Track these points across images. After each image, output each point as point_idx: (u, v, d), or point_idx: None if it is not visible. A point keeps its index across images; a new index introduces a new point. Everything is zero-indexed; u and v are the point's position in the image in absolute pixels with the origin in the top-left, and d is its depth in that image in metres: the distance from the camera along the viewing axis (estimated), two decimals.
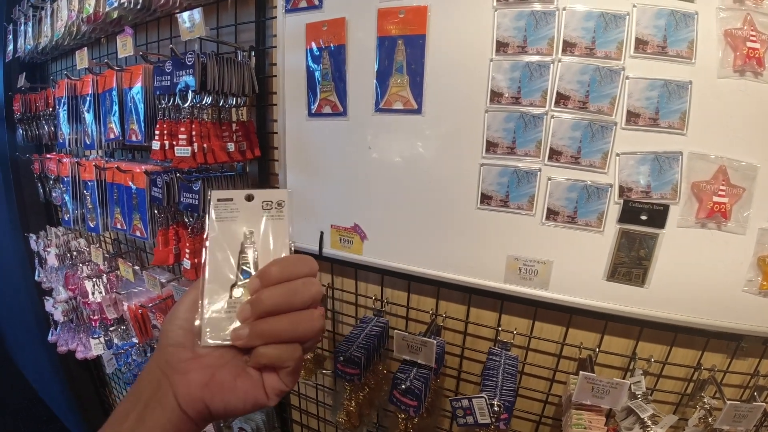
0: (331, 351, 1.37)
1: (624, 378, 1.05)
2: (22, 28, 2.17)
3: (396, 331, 1.04)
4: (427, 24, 1.02)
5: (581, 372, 0.95)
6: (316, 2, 1.14)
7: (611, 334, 1.06)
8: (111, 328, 1.90)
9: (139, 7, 1.41)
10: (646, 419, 0.96)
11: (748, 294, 0.94)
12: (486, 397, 0.98)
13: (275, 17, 1.22)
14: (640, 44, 0.90)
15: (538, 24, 0.94)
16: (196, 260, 1.25)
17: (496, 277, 1.05)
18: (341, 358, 1.06)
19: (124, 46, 1.40)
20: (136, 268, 1.61)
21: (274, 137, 1.29)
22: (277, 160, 1.25)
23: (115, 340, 1.91)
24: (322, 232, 1.21)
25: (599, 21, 0.91)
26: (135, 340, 1.81)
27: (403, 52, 1.05)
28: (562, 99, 0.94)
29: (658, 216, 0.93)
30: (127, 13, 1.50)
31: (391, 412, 1.29)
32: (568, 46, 0.93)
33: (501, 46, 0.97)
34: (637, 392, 1.00)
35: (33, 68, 2.44)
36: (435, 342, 1.01)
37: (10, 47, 2.29)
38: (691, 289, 0.96)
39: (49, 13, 1.98)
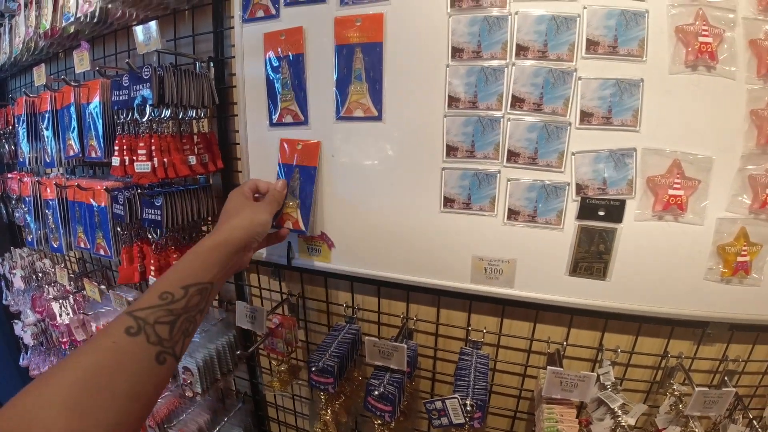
0: (306, 361, 1.36)
1: (593, 370, 1.08)
2: None
3: (367, 337, 1.04)
4: (383, 31, 1.03)
5: (549, 367, 0.97)
6: (273, 12, 1.13)
7: (578, 328, 1.08)
8: None
9: (95, 20, 1.38)
10: (616, 409, 0.98)
11: (710, 282, 0.98)
12: (459, 397, 0.99)
13: (233, 27, 1.21)
14: (592, 45, 0.92)
15: (491, 29, 0.96)
16: None
17: (463, 277, 1.06)
18: (314, 368, 1.06)
19: (81, 61, 1.37)
20: (103, 287, 1.57)
21: (237, 148, 1.28)
22: (241, 171, 1.23)
23: None
24: (290, 242, 1.20)
25: (551, 24, 0.93)
26: None
27: (362, 60, 1.05)
28: (517, 102, 0.96)
29: (615, 211, 0.96)
30: (83, 27, 1.47)
31: (368, 418, 1.30)
32: (522, 50, 0.95)
33: (456, 52, 0.98)
34: (606, 383, 1.03)
35: None
36: (406, 346, 1.02)
37: None
38: (653, 280, 0.99)
39: (7, 30, 1.93)
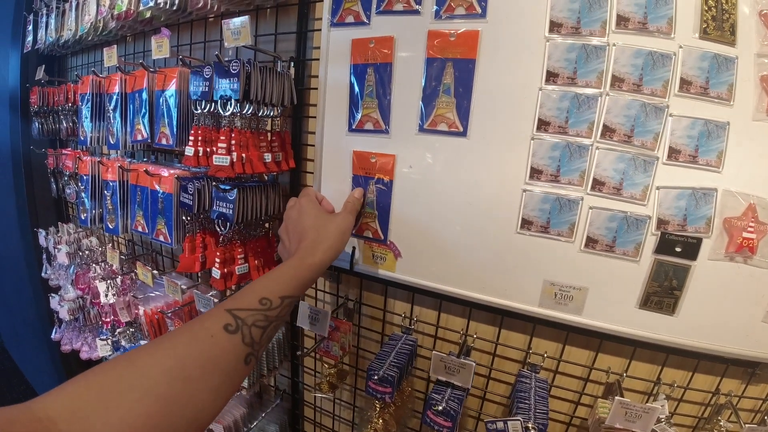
0: (353, 366, 1.37)
1: (647, 402, 1.07)
2: (44, 19, 2.15)
3: (434, 351, 1.05)
4: (477, 49, 1.04)
5: (617, 398, 0.97)
6: (364, 19, 1.15)
7: (638, 360, 1.08)
8: (119, 330, 1.87)
9: (174, 8, 1.41)
10: None
11: (767, 325, 0.97)
12: (521, 420, 0.99)
13: (318, 29, 1.23)
14: (685, 84, 0.93)
15: (588, 57, 0.97)
16: (226, 270, 1.24)
17: (531, 300, 1.06)
18: (375, 377, 1.06)
19: (160, 47, 1.40)
20: (155, 272, 1.59)
21: (308, 149, 1.30)
22: (311, 172, 1.25)
23: (123, 342, 1.88)
24: (354, 248, 1.21)
25: (647, 59, 0.94)
26: (143, 342, 1.79)
27: (452, 75, 1.07)
28: (608, 131, 0.97)
29: (691, 249, 0.96)
30: (160, 14, 1.50)
31: (413, 430, 1.30)
32: (617, 81, 0.96)
33: (551, 76, 0.99)
34: (660, 416, 1.02)
35: (51, 61, 2.43)
36: (474, 364, 1.02)
37: (29, 38, 2.27)
38: (717, 319, 0.99)
39: (74, 6, 1.97)
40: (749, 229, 0.94)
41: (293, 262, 0.86)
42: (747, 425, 0.95)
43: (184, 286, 1.48)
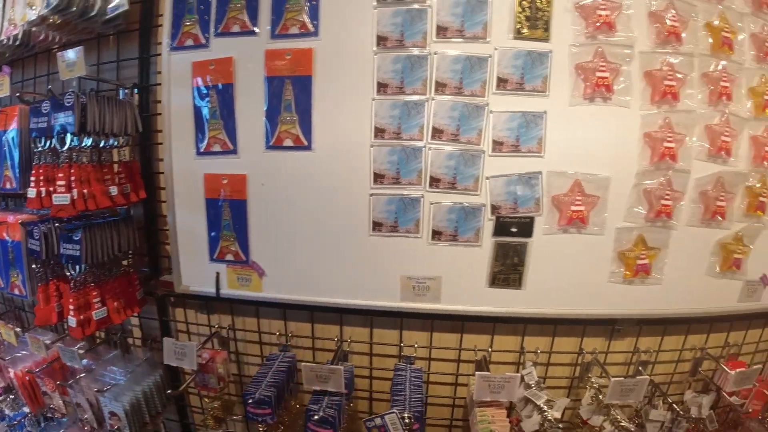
0: (239, 395, 1.33)
1: (517, 371, 1.16)
2: None
3: (303, 363, 1.05)
4: (312, 66, 1.08)
5: (477, 372, 1.04)
6: (203, 41, 1.15)
7: (501, 334, 1.18)
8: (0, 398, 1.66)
9: (18, 43, 1.31)
10: (542, 405, 1.08)
11: (614, 284, 1.12)
12: (397, 411, 1.02)
13: (160, 54, 1.20)
14: (501, 82, 1.04)
15: (413, 67, 1.05)
16: (82, 317, 1.15)
17: (393, 297, 1.12)
18: (250, 401, 1.04)
19: (1, 85, 1.29)
20: (18, 330, 1.44)
21: (161, 177, 1.25)
22: (165, 201, 1.21)
23: (6, 411, 1.67)
24: (218, 273, 1.19)
25: (466, 63, 1.04)
26: (26, 409, 1.61)
27: (291, 92, 1.09)
28: (437, 133, 1.05)
29: (526, 228, 1.07)
30: (4, 50, 1.38)
31: None
32: (440, 86, 1.05)
33: (381, 87, 1.06)
34: (530, 382, 1.12)
35: None
36: (342, 368, 1.04)
37: None
38: (563, 286, 1.12)
39: None
40: (577, 202, 1.07)
41: None
42: (613, 378, 1.07)
43: (47, 341, 1.36)
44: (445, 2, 1.03)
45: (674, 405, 1.14)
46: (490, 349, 1.15)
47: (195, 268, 1.20)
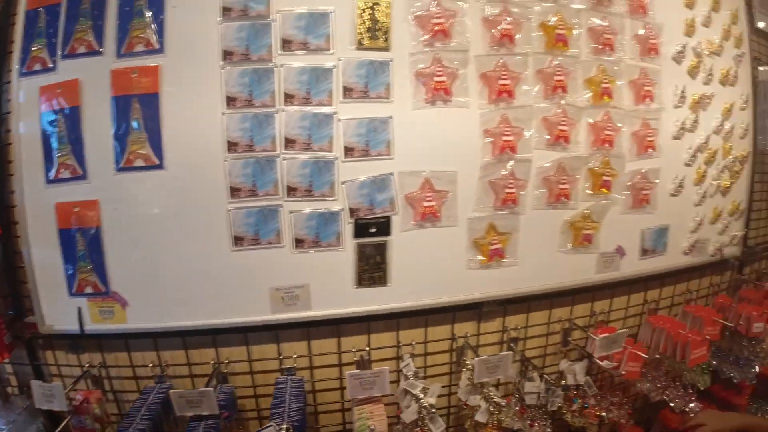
0: None
1: (397, 365, 1.20)
2: None
3: (171, 391, 1.03)
4: (159, 83, 1.06)
5: (347, 372, 1.07)
6: (51, 64, 1.10)
7: (377, 332, 1.21)
8: None
9: None
10: (418, 393, 1.11)
11: (473, 270, 1.20)
12: (274, 424, 1.02)
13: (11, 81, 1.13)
14: (347, 91, 1.08)
15: (260, 79, 1.06)
16: None
17: (265, 310, 1.11)
18: None
19: None
20: None
21: (16, 211, 1.18)
22: (20, 236, 1.14)
23: None
24: (79, 308, 1.12)
25: (312, 75, 1.07)
26: None
27: (139, 111, 1.07)
28: (289, 143, 1.07)
29: (383, 227, 1.12)
30: None
31: None
32: (288, 98, 1.07)
33: (231, 101, 1.06)
34: (408, 374, 1.15)
35: None
36: (211, 389, 1.03)
37: None
38: (428, 277, 1.17)
39: None
40: (428, 198, 1.12)
41: None
42: (477, 358, 1.13)
43: None
44: (289, 16, 1.06)
45: (545, 375, 1.23)
46: (367, 348, 1.18)
47: (56, 306, 1.13)
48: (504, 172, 1.16)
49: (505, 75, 1.14)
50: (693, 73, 1.41)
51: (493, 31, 1.14)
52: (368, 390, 1.08)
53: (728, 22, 1.51)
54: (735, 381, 1.55)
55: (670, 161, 1.39)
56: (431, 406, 1.09)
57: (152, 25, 1.07)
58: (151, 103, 1.07)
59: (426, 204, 1.12)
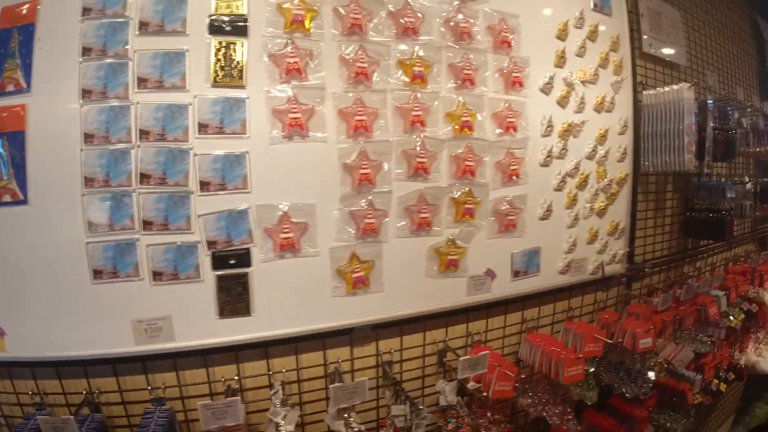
0: None
1: (271, 393, 1.22)
2: None
3: (38, 417, 1.04)
4: (26, 121, 1.09)
5: (199, 403, 1.09)
6: None
7: (247, 361, 1.23)
8: None
9: None
10: (278, 420, 1.14)
11: (338, 297, 1.24)
12: None
13: None
14: (203, 127, 1.12)
15: (117, 117, 1.10)
16: None
17: (128, 342, 1.13)
18: None
19: None
20: None
21: None
22: None
23: None
24: None
25: (167, 111, 1.11)
26: None
27: (7, 147, 1.10)
28: (145, 178, 1.11)
29: (243, 259, 1.16)
30: None
31: None
32: (144, 134, 1.11)
33: (88, 138, 1.10)
34: (276, 402, 1.18)
35: None
36: (71, 418, 1.03)
37: None
38: (294, 305, 1.21)
39: None
40: (285, 230, 1.17)
41: None
42: (332, 386, 1.16)
43: None
44: (145, 55, 1.11)
45: (409, 397, 1.27)
46: (236, 377, 1.21)
47: None
48: (363, 203, 1.22)
49: (361, 111, 1.20)
50: (563, 102, 1.50)
51: (348, 69, 1.20)
52: (221, 420, 1.10)
53: (607, 49, 1.61)
54: (628, 396, 1.61)
55: (538, 187, 1.46)
56: None
57: (21, 66, 1.11)
58: (17, 140, 1.10)
59: (283, 236, 1.16)
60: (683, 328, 1.88)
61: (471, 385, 1.31)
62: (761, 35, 2.97)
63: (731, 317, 2.26)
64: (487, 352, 1.31)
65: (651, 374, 1.61)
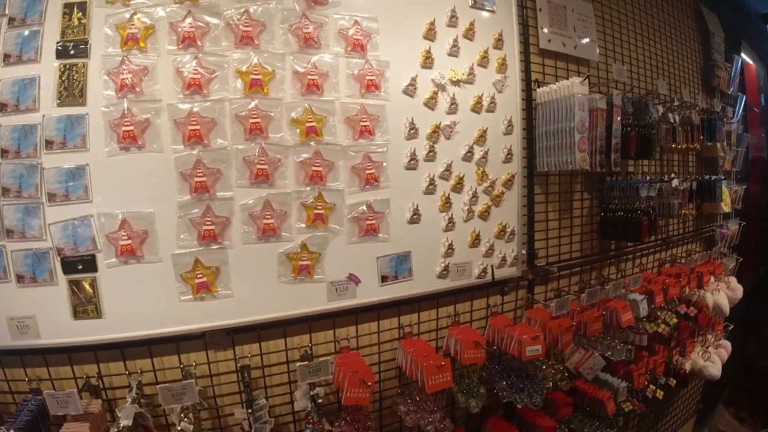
0: None
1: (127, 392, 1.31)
2: None
3: None
4: None
5: (45, 391, 1.21)
6: None
7: (108, 361, 1.32)
8: None
9: None
10: (118, 413, 1.24)
11: (187, 302, 1.29)
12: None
13: None
14: (49, 143, 1.23)
15: None
16: None
17: (5, 337, 1.27)
18: None
19: None
20: None
21: None
22: None
23: None
24: None
25: (21, 132, 1.24)
26: None
27: None
28: (6, 191, 1.24)
29: (89, 264, 1.25)
30: None
31: None
32: (5, 152, 1.24)
33: None
34: (129, 399, 1.27)
35: None
36: None
37: None
38: (145, 309, 1.28)
39: None
40: (124, 237, 1.24)
41: None
42: (160, 386, 1.22)
43: None
44: (5, 84, 1.24)
45: (252, 402, 1.29)
46: (96, 375, 1.30)
47: None
48: (201, 211, 1.25)
49: (195, 121, 1.23)
50: (431, 104, 1.40)
51: (183, 81, 1.24)
52: (64, 408, 1.21)
53: (487, 47, 1.47)
54: (519, 406, 1.48)
55: (403, 191, 1.39)
56: (126, 428, 1.20)
57: None
58: None
59: (122, 242, 1.24)
60: (588, 334, 1.66)
61: (315, 391, 1.30)
62: (707, 27, 2.63)
63: (661, 322, 2.01)
64: (328, 359, 1.29)
65: (549, 383, 1.46)
